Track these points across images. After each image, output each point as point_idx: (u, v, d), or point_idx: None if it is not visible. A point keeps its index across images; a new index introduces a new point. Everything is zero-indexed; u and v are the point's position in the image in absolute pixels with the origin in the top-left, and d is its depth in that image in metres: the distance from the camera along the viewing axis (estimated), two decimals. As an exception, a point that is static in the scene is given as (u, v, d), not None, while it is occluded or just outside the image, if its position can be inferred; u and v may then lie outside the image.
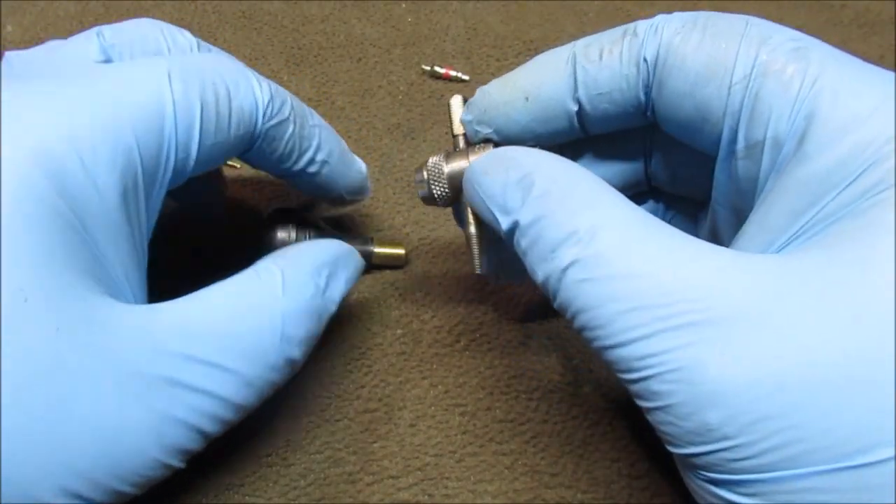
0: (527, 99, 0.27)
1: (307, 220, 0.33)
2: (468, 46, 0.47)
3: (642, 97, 0.25)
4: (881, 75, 0.23)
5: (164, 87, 0.24)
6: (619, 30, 0.26)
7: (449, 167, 0.28)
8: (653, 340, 0.20)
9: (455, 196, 0.28)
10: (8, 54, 0.28)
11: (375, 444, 0.30)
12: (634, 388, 0.21)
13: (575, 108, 0.26)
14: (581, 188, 0.23)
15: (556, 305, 0.23)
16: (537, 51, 0.46)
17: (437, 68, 0.44)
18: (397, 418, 0.31)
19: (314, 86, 0.44)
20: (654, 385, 0.20)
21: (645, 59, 0.24)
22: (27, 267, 0.20)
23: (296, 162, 0.30)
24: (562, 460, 0.30)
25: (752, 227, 0.23)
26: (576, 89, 0.26)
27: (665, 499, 0.29)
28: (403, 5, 0.49)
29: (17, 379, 0.20)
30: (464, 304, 0.35)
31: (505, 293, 0.35)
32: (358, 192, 0.34)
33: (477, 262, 0.29)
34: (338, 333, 0.34)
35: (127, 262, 0.24)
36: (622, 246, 0.21)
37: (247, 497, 0.29)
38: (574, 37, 0.27)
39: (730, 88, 0.23)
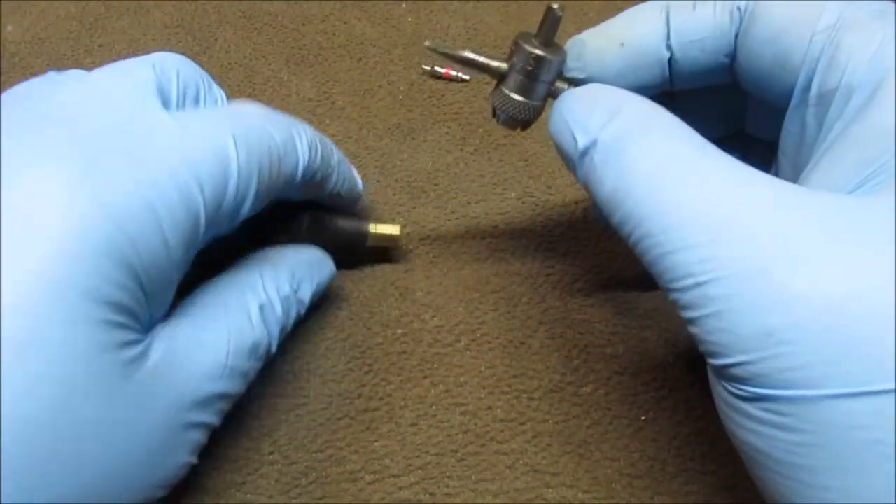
0: (622, 45, 0.28)
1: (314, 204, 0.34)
2: (468, 46, 0.46)
3: (734, 44, 0.26)
4: None
5: (230, 151, 0.25)
6: None
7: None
8: (720, 245, 0.21)
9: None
10: (51, 75, 0.25)
11: (377, 443, 0.30)
12: (688, 295, 0.21)
13: (667, 55, 0.27)
14: (663, 121, 0.24)
15: (618, 217, 0.24)
16: (537, 51, 0.46)
17: (437, 68, 0.44)
18: (398, 417, 0.31)
19: (314, 86, 0.44)
20: (712, 290, 0.20)
21: (738, 9, 0.26)
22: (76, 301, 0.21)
23: (314, 197, 0.32)
24: (562, 460, 0.30)
25: (816, 176, 0.24)
26: (668, 37, 0.27)
27: (665, 498, 0.29)
28: (403, 5, 0.49)
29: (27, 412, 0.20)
30: (464, 304, 0.35)
31: (505, 293, 0.35)
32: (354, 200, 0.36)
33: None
34: (339, 333, 0.34)
35: (164, 304, 0.25)
36: (698, 165, 0.22)
37: (248, 495, 0.29)
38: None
39: (812, 37, 0.24)
